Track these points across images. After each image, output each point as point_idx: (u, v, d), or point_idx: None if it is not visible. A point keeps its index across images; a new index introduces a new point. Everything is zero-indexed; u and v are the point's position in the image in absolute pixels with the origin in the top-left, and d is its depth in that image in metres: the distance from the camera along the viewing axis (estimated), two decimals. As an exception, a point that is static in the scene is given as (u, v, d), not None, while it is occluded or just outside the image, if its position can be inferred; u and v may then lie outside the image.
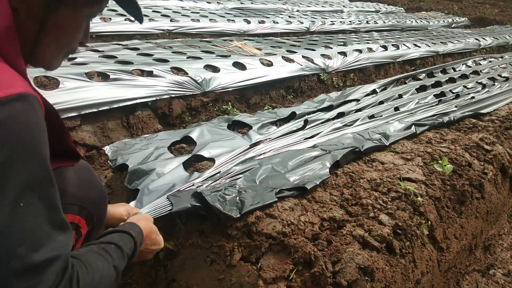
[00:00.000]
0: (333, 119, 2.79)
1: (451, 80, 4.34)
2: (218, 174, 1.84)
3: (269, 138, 2.33)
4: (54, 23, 0.86)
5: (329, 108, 3.01)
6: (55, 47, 0.91)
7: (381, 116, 2.89)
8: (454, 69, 4.92)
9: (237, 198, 1.56)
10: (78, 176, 1.13)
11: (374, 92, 3.50)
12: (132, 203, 1.59)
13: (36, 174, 0.75)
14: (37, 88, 0.93)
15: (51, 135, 0.82)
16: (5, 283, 0.73)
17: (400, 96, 3.47)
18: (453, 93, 3.65)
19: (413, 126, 2.59)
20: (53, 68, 0.95)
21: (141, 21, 1.04)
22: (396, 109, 3.09)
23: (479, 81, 4.24)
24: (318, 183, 1.76)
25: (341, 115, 2.87)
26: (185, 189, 1.68)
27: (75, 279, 0.82)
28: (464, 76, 4.55)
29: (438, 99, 3.39)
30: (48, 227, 0.77)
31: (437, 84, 4.06)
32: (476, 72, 4.82)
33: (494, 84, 4.12)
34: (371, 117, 2.86)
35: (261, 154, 2.11)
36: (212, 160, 1.99)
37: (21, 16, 0.82)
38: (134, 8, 0.98)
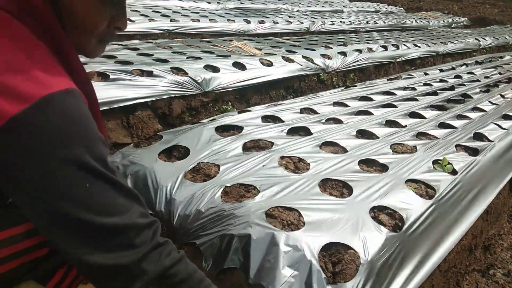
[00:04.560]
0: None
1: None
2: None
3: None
4: (65, 6, 0.82)
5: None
6: (78, 33, 0.86)
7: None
8: (454, 68, 4.93)
9: None
10: None
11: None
12: None
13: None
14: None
15: None
16: (92, 256, 0.74)
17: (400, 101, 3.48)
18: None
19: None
20: (91, 56, 0.94)
21: None
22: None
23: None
24: None
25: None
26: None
27: (165, 254, 0.82)
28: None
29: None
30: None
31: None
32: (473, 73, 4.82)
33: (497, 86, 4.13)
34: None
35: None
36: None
37: None
38: None
